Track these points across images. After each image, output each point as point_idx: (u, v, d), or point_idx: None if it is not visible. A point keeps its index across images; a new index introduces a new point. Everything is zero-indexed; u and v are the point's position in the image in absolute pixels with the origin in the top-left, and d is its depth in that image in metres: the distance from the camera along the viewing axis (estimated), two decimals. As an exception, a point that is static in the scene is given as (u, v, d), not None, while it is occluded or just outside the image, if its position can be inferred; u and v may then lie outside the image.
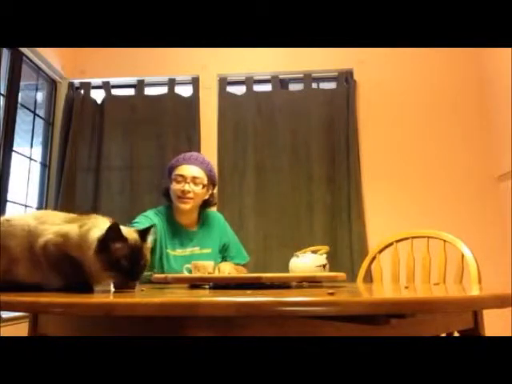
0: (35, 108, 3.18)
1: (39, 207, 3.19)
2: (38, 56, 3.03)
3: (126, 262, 1.02)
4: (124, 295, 0.99)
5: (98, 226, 1.07)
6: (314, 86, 3.25)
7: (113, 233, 1.03)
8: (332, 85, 3.25)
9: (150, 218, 1.91)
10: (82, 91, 3.29)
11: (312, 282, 1.34)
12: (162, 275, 1.44)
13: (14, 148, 2.83)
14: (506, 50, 2.66)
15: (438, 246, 1.79)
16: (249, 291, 0.99)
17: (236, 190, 3.07)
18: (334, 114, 3.12)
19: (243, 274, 1.94)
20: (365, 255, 2.41)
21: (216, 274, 1.71)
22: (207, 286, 1.31)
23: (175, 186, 1.97)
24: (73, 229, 1.08)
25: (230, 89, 3.26)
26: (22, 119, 3.01)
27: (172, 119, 3.20)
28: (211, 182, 2.05)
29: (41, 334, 1.25)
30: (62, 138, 3.17)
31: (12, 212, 2.82)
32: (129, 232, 1.08)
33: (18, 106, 2.89)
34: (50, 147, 3.28)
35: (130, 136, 3.20)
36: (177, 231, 1.99)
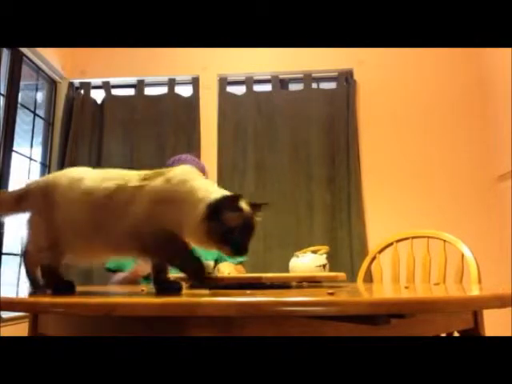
0: (35, 108, 3.18)
1: (39, 207, 3.18)
2: (38, 56, 3.03)
3: (237, 235, 0.93)
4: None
5: (207, 189, 0.97)
6: (314, 86, 3.25)
7: (231, 201, 0.94)
8: (332, 85, 3.25)
9: None
10: (82, 91, 3.29)
11: (312, 282, 1.34)
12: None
13: (14, 148, 2.83)
14: (506, 50, 2.66)
15: (437, 245, 1.79)
16: (249, 291, 0.99)
17: (236, 189, 3.06)
18: (334, 114, 3.12)
19: (242, 273, 1.94)
20: (365, 255, 2.41)
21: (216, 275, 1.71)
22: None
23: None
24: (171, 188, 0.96)
25: (230, 89, 3.26)
26: (22, 119, 3.01)
27: (172, 119, 3.20)
28: None
29: (41, 334, 1.25)
30: (61, 137, 3.17)
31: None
32: (243, 202, 0.98)
33: (18, 106, 2.89)
34: (50, 147, 3.28)
35: (129, 136, 3.20)
36: None
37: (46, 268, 1.01)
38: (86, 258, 1.07)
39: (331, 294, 0.81)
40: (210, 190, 0.97)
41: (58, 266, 1.02)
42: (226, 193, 0.97)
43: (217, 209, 0.92)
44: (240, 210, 0.94)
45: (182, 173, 1.00)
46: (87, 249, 1.02)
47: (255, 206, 1.00)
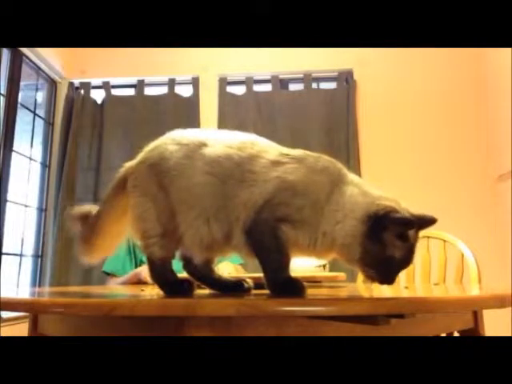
0: (35, 108, 3.18)
1: (39, 207, 3.19)
2: (38, 56, 3.04)
3: (393, 265, 0.79)
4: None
5: (369, 192, 0.81)
6: (314, 86, 3.25)
7: (404, 225, 0.78)
8: (332, 85, 3.25)
9: None
10: (82, 91, 3.29)
11: (312, 282, 1.34)
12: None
13: (14, 148, 2.83)
14: (506, 50, 2.66)
15: (437, 245, 1.79)
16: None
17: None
18: (334, 114, 3.12)
19: (242, 274, 1.93)
20: (365, 255, 2.40)
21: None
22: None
23: None
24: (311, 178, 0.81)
25: (230, 89, 3.26)
26: (22, 119, 3.01)
27: (172, 119, 3.20)
28: None
29: (41, 334, 1.25)
30: (61, 138, 3.17)
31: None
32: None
33: (18, 105, 2.89)
34: (50, 147, 3.28)
35: (129, 136, 3.20)
36: None
37: (157, 262, 0.89)
38: (203, 248, 0.87)
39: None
40: (374, 194, 0.81)
41: (170, 258, 0.89)
42: (394, 205, 0.80)
43: (381, 225, 0.77)
44: (406, 239, 0.78)
45: (335, 170, 0.85)
46: (208, 235, 0.84)
47: (421, 224, 0.81)
